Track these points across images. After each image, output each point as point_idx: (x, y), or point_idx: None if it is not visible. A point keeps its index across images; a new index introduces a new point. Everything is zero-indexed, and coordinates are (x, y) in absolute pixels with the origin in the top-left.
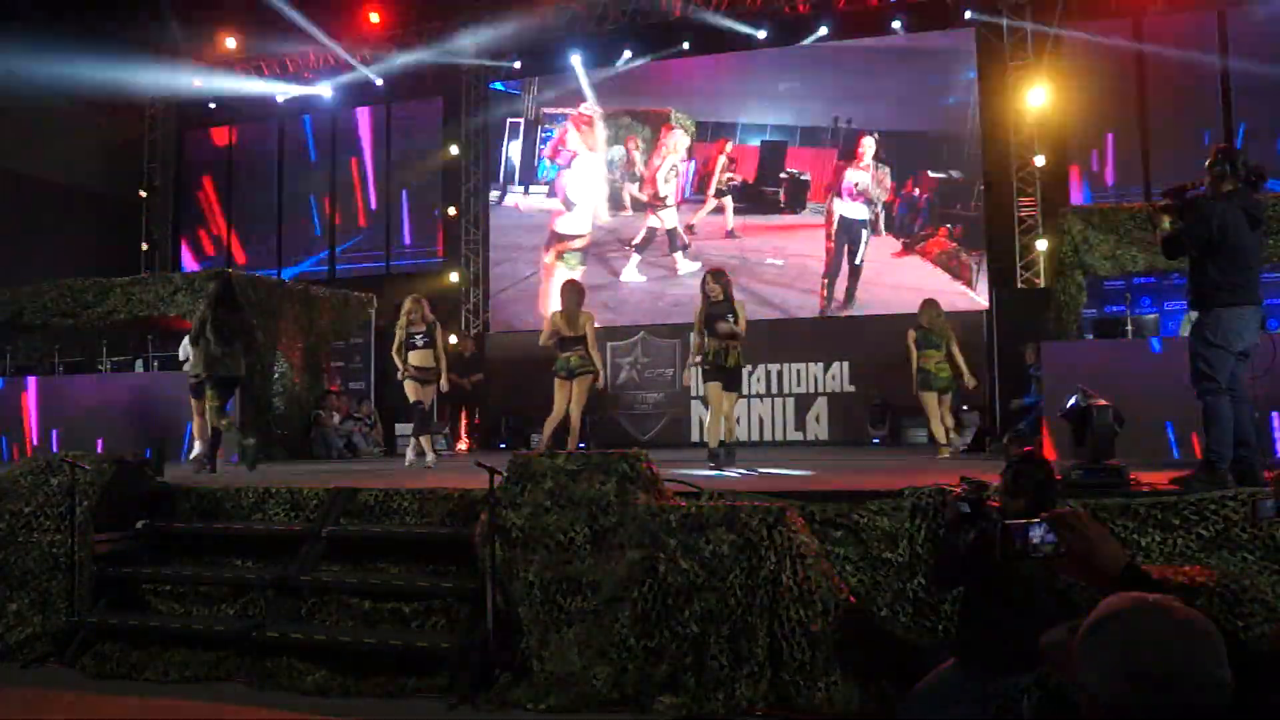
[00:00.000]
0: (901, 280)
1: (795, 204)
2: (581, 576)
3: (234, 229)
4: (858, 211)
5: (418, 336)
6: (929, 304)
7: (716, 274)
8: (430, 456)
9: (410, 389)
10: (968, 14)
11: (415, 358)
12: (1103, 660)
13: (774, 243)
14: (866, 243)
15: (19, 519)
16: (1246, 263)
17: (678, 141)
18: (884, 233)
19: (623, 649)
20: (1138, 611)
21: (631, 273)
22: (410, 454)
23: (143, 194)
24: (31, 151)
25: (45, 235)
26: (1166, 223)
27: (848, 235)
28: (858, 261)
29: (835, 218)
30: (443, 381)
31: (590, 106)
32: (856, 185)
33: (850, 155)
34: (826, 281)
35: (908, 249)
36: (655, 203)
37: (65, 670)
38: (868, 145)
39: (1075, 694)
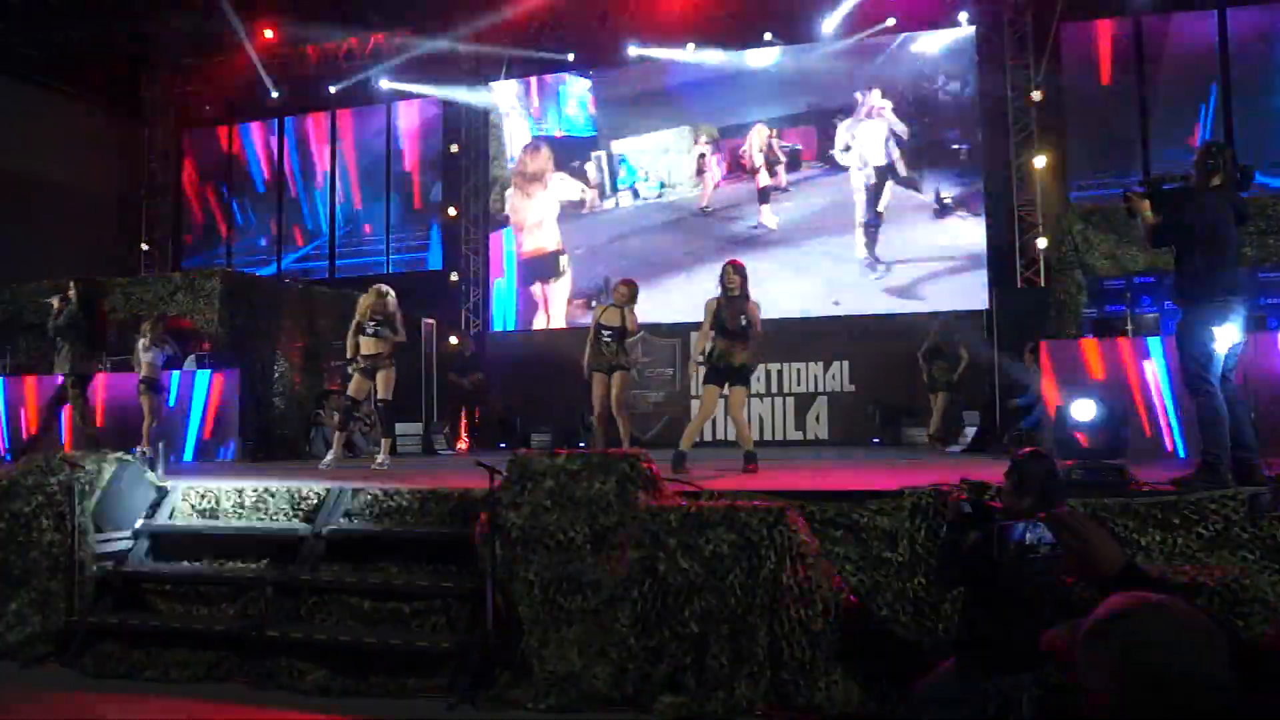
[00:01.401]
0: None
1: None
2: (582, 576)
3: (233, 228)
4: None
5: (369, 325)
6: None
7: (737, 266)
8: (383, 458)
9: (354, 384)
10: (964, 13)
11: (364, 345)
12: (1105, 660)
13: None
14: (885, 191)
15: (19, 519)
16: (1233, 257)
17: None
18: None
19: (623, 648)
20: (1140, 611)
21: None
22: (330, 455)
23: (143, 193)
24: (31, 151)
25: (45, 235)
26: (1148, 211)
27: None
28: (880, 209)
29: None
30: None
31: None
32: (854, 137)
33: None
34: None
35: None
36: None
37: (65, 670)
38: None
39: (1076, 694)
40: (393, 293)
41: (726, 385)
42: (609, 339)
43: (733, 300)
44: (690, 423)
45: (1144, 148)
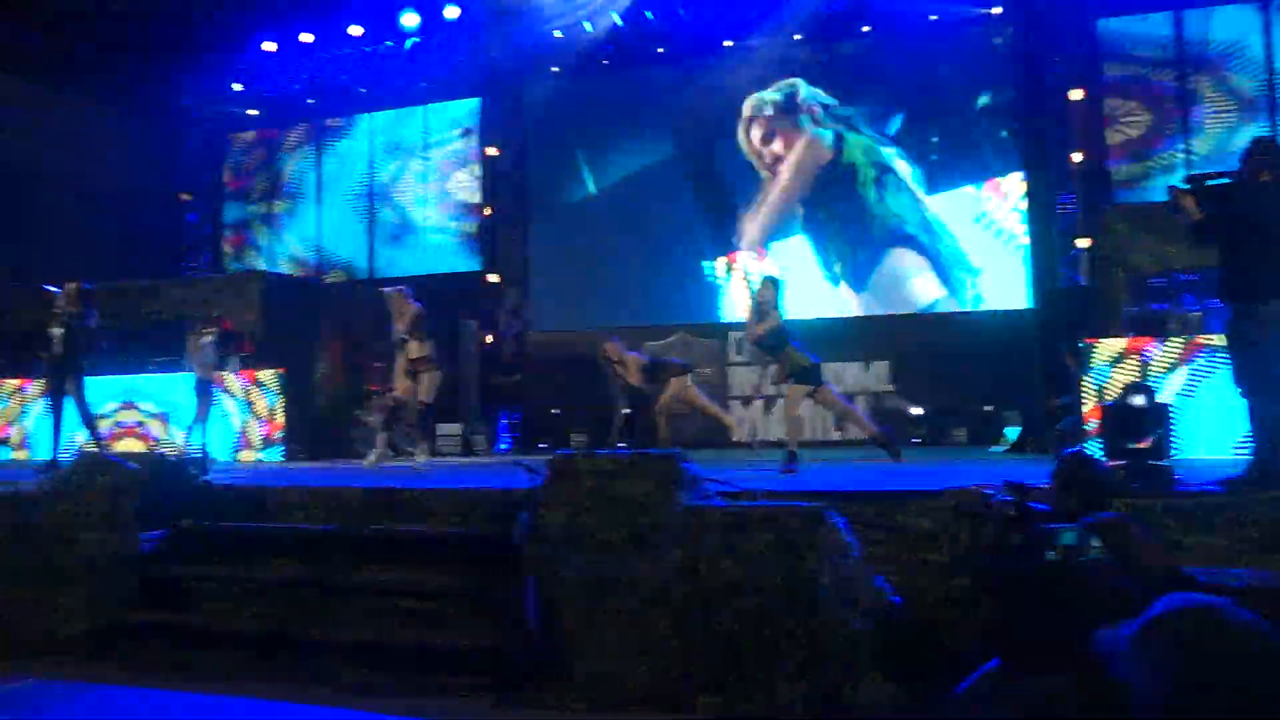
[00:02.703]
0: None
1: None
2: (621, 576)
3: (275, 230)
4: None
5: (399, 333)
6: None
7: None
8: (423, 458)
9: (399, 386)
10: (999, 9)
11: (410, 349)
12: (1156, 663)
13: None
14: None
15: (66, 517)
16: None
17: None
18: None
19: (663, 648)
20: (1191, 614)
21: None
22: (373, 454)
23: (185, 196)
24: (77, 155)
25: (90, 238)
26: (1194, 207)
27: None
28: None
29: None
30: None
31: None
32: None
33: None
34: None
35: None
36: None
37: (112, 665)
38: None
39: (1125, 696)
40: (396, 291)
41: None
42: None
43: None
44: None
45: (1186, 143)
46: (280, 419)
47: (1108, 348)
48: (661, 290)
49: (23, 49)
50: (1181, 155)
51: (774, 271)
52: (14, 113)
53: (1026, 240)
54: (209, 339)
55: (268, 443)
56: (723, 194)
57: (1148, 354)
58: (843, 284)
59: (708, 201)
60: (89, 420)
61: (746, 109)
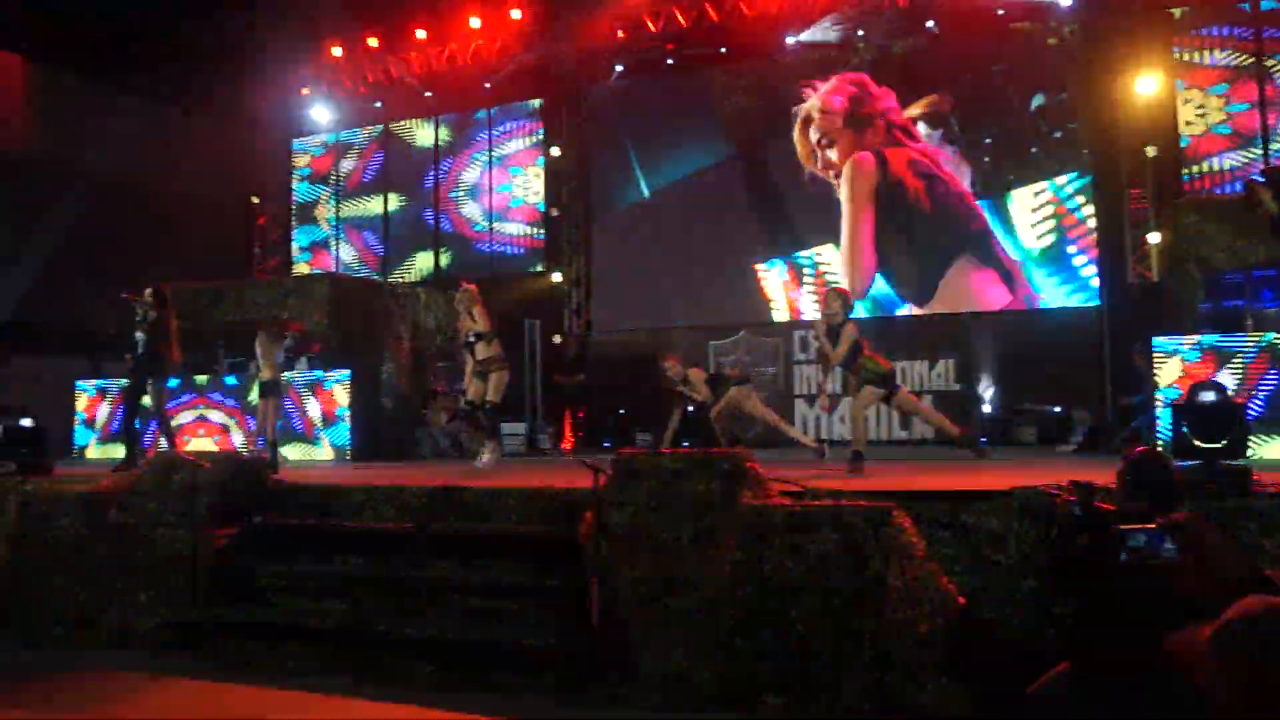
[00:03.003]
0: None
1: None
2: (685, 575)
3: (341, 233)
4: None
5: (470, 334)
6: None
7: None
8: (488, 457)
9: (471, 387)
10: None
11: (477, 350)
12: (1233, 666)
13: None
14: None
15: (145, 514)
16: None
17: None
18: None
19: (727, 649)
20: (1271, 617)
21: None
22: (488, 455)
23: (254, 200)
24: (149, 162)
25: (163, 242)
26: (1272, 201)
27: None
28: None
29: None
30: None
31: None
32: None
33: None
34: None
35: None
36: None
37: (189, 659)
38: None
39: (1202, 700)
40: (466, 291)
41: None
42: None
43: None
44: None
45: (1264, 135)
46: (346, 419)
47: (1180, 345)
48: (723, 290)
49: (103, 60)
50: (1258, 151)
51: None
52: (94, 122)
53: (1094, 237)
54: (275, 340)
55: (335, 442)
56: (780, 197)
57: (1222, 351)
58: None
59: (765, 203)
60: (164, 421)
61: (806, 110)
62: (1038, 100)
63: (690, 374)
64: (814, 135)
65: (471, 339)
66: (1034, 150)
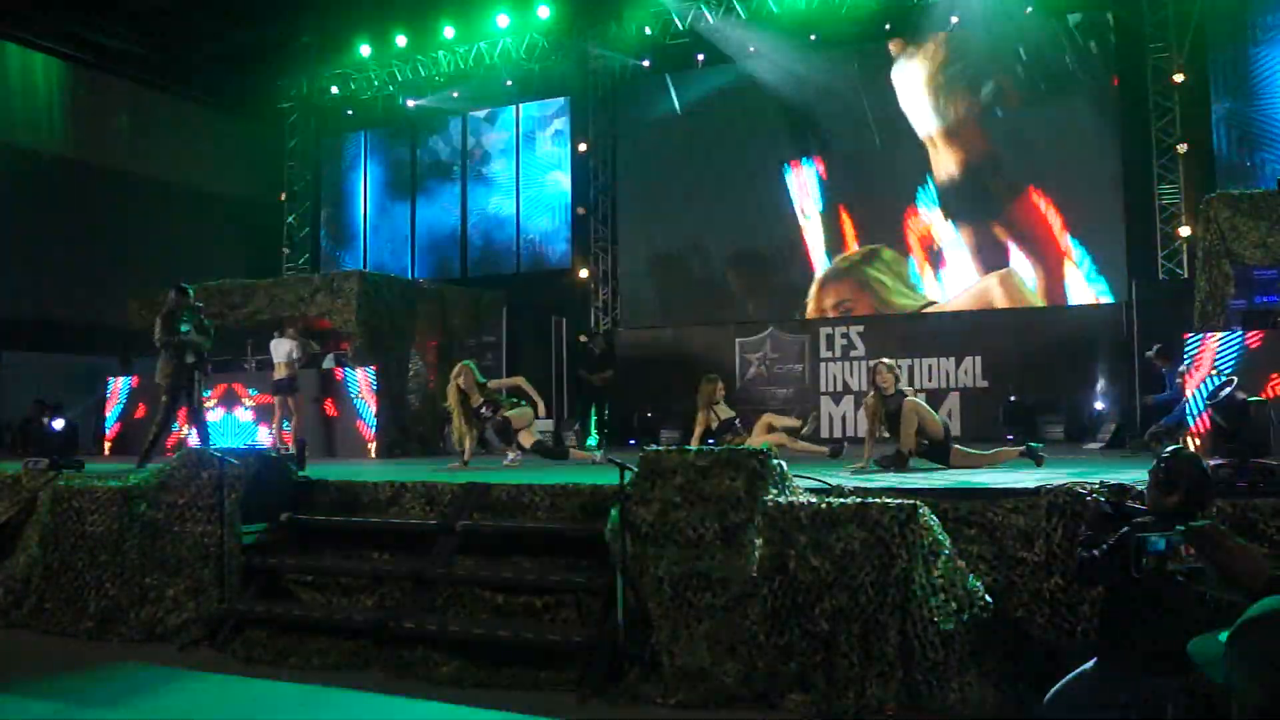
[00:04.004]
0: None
1: None
2: (711, 572)
3: (369, 231)
4: None
5: (483, 409)
6: None
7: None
8: (515, 454)
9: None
10: None
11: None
12: (1254, 662)
13: None
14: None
15: (174, 509)
16: None
17: None
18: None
19: (752, 645)
20: None
21: None
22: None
23: (282, 198)
24: (180, 161)
25: (194, 240)
26: None
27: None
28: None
29: None
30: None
31: None
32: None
33: None
34: None
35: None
36: None
37: (217, 654)
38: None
39: (1225, 699)
40: (463, 372)
41: None
42: None
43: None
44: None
45: None
46: (374, 416)
47: (1209, 343)
48: (750, 288)
49: (138, 63)
50: None
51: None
52: (128, 123)
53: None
54: (291, 339)
55: (361, 439)
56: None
57: (1254, 349)
58: (933, 281)
59: (792, 201)
60: (198, 418)
61: None
62: (1077, 92)
63: (718, 408)
64: None
65: (488, 414)
66: (1074, 139)
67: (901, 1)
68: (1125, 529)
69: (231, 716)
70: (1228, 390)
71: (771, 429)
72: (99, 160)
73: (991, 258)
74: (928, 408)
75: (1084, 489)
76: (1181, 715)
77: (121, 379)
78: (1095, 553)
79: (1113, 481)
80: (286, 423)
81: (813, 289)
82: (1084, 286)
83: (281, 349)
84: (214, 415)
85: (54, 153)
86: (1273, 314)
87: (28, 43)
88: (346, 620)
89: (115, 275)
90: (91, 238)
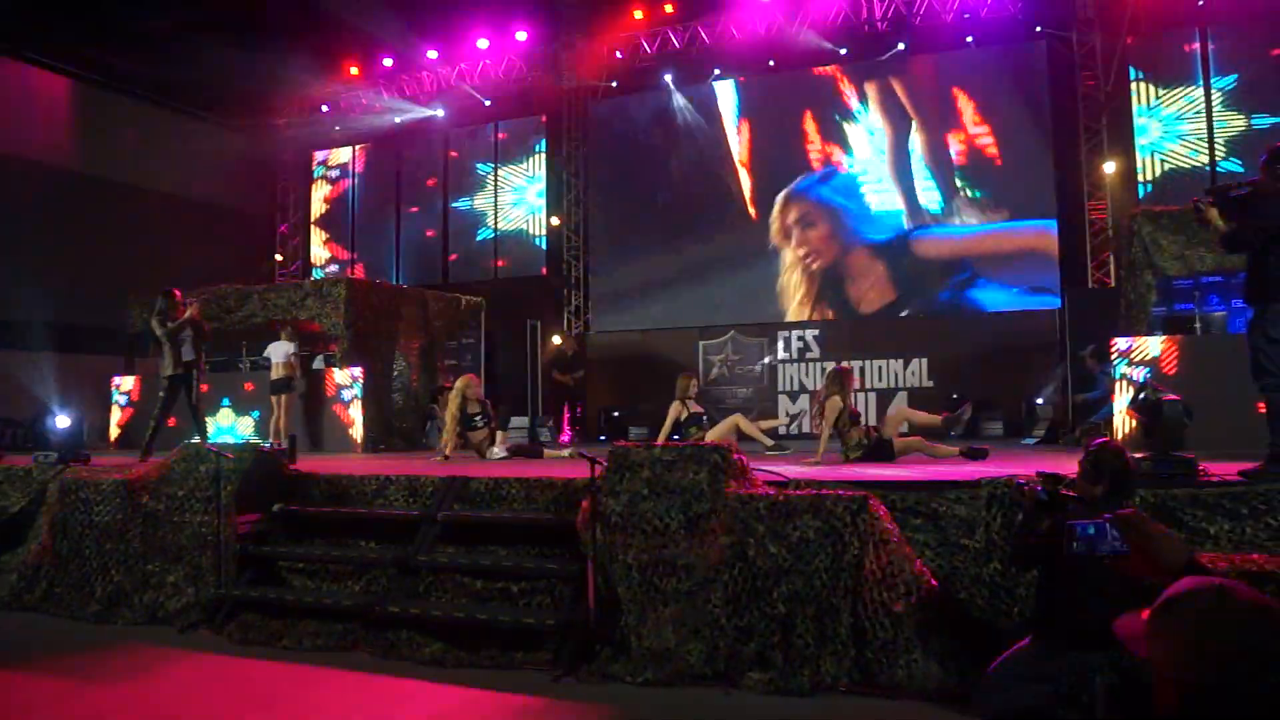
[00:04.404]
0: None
1: None
2: (676, 560)
3: (356, 239)
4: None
5: (478, 418)
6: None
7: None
8: (497, 449)
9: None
10: (1038, 28)
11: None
12: (1173, 636)
13: None
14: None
15: (174, 501)
16: None
17: None
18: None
19: (715, 627)
20: (1206, 593)
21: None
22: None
23: (276, 208)
24: (180, 174)
25: (190, 247)
26: (1218, 219)
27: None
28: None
29: None
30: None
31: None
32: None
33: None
34: None
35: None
36: None
37: (214, 636)
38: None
39: (1147, 673)
40: (466, 382)
41: None
42: None
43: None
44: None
45: (1210, 154)
46: (359, 413)
47: (1136, 346)
48: (715, 292)
49: (142, 75)
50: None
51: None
52: (131, 137)
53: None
54: (284, 341)
55: (348, 434)
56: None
57: (1172, 352)
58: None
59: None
60: (196, 415)
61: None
62: (1016, 111)
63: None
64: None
65: (479, 423)
66: (1011, 160)
67: (853, 30)
68: (1057, 516)
69: (228, 693)
70: (1144, 395)
71: (738, 430)
72: (105, 173)
73: None
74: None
75: (1022, 480)
76: (1107, 685)
77: (125, 378)
78: (1030, 538)
79: (1047, 471)
80: (280, 418)
81: (775, 210)
82: (1019, 294)
83: (280, 350)
84: (211, 411)
85: (63, 166)
86: (1189, 320)
87: (43, 64)
88: (335, 604)
89: (119, 280)
90: (97, 245)
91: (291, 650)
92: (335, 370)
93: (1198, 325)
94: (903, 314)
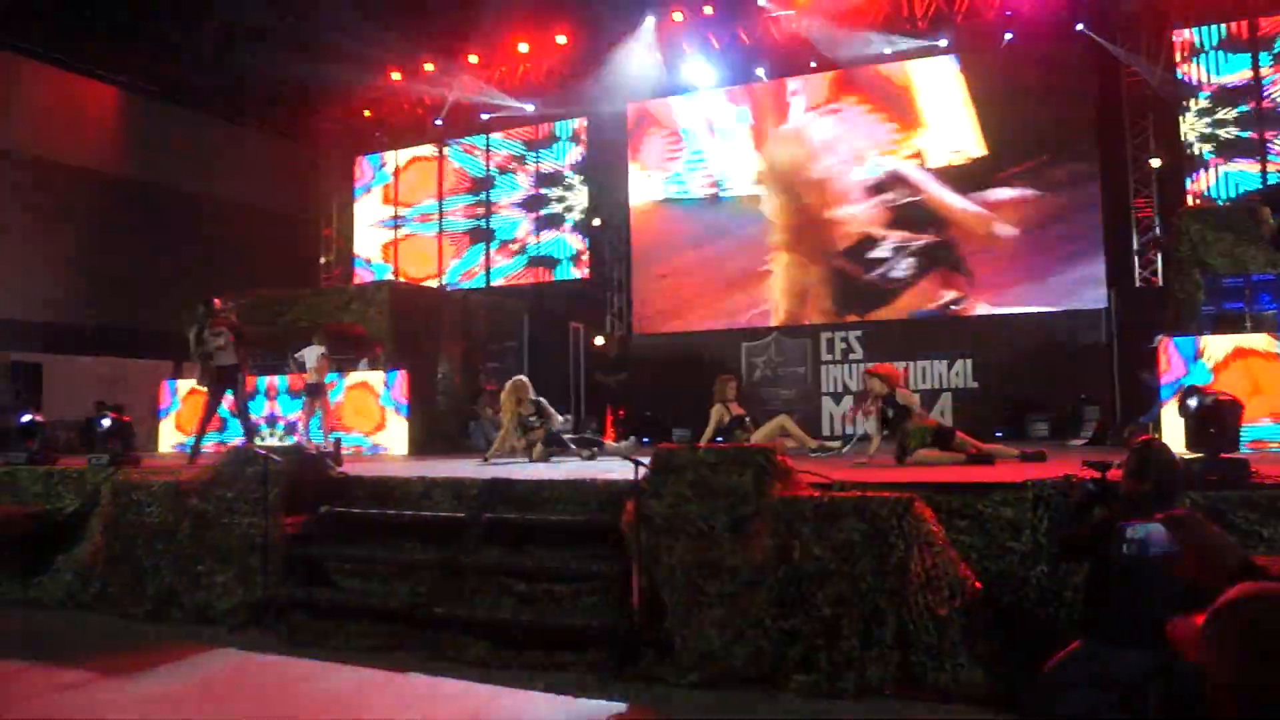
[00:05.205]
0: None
1: None
2: (721, 562)
3: (400, 242)
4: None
5: (532, 419)
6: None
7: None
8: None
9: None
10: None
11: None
12: (1228, 643)
13: None
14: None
15: (223, 502)
16: None
17: None
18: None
19: (759, 630)
20: (1264, 597)
21: None
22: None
23: (320, 213)
24: (228, 180)
25: (240, 252)
26: (1269, 217)
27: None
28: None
29: None
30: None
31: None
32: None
33: None
34: None
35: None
36: None
37: (263, 635)
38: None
39: (1202, 679)
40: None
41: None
42: None
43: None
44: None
45: (1262, 147)
46: (404, 415)
47: (1184, 346)
48: (755, 293)
49: (196, 89)
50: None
51: None
52: (179, 145)
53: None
54: (317, 345)
55: (392, 437)
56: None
57: (1221, 351)
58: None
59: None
60: (243, 418)
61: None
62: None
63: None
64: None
65: (535, 423)
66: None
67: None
68: (1107, 510)
69: (277, 692)
70: (1194, 400)
71: (783, 431)
72: (156, 180)
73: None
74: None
75: (1072, 477)
76: (1160, 693)
77: (176, 381)
78: (1079, 531)
79: (1095, 460)
80: (316, 421)
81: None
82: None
83: (313, 355)
84: (259, 414)
85: (115, 174)
86: (1239, 319)
87: (94, 75)
88: (382, 605)
89: (170, 285)
90: (148, 251)
91: (339, 650)
92: (379, 373)
93: (1248, 324)
94: (949, 313)
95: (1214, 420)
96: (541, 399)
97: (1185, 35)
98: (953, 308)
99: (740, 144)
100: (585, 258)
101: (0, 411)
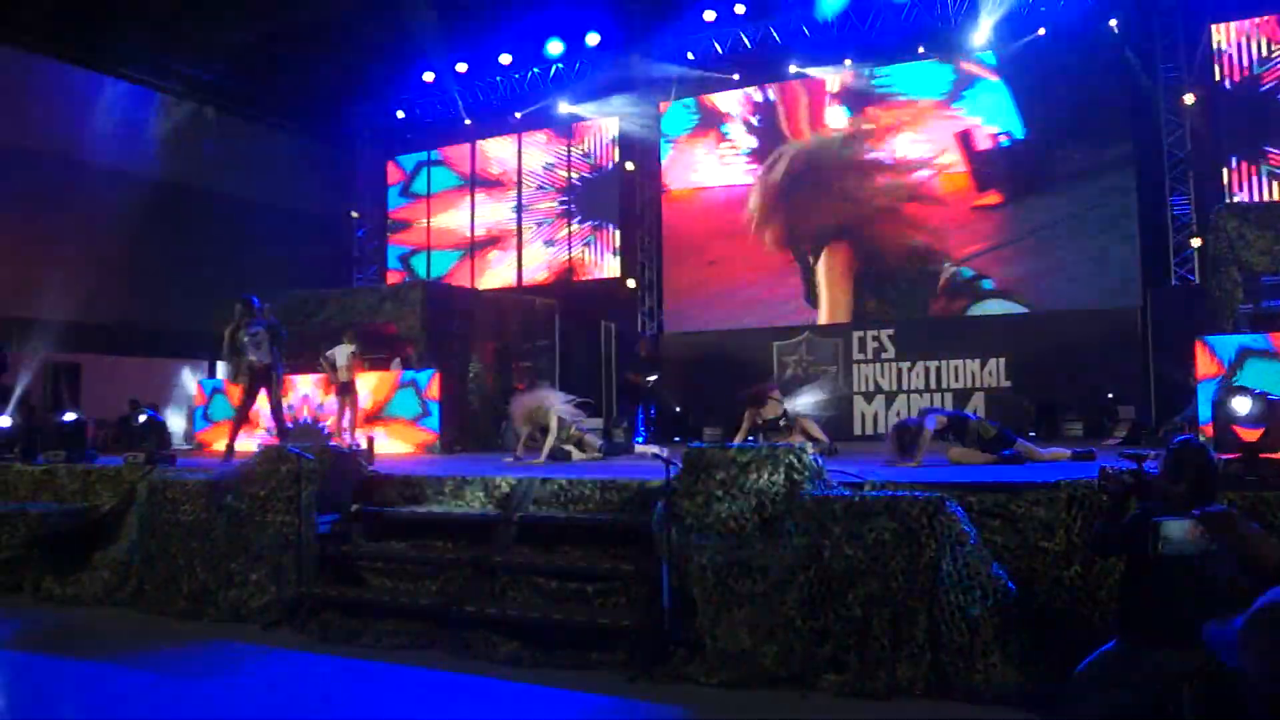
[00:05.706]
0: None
1: None
2: (751, 561)
3: (431, 242)
4: None
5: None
6: None
7: None
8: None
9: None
10: (1113, 21)
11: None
12: (1263, 651)
13: None
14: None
15: (256, 501)
16: None
17: None
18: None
19: (789, 629)
20: None
21: None
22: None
23: (354, 214)
24: (261, 181)
25: (273, 253)
26: None
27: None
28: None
29: None
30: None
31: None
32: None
33: None
34: None
35: None
36: None
37: (295, 634)
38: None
39: (1238, 682)
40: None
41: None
42: None
43: None
44: None
45: None
46: (437, 414)
47: (1221, 344)
48: (785, 292)
49: (228, 89)
50: None
51: None
52: (216, 147)
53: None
54: (348, 345)
55: (425, 435)
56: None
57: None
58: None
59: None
60: (276, 417)
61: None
62: (1095, 107)
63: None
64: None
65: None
66: (1076, 155)
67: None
68: (1143, 505)
69: (309, 690)
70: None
71: (805, 432)
72: (189, 181)
73: None
74: None
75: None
76: (1197, 694)
77: (210, 380)
78: (1114, 525)
79: (1130, 450)
80: (346, 419)
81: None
82: (1100, 292)
83: (344, 353)
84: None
85: (151, 176)
86: (1278, 317)
87: (130, 78)
88: (413, 603)
89: (204, 286)
90: (183, 252)
91: (370, 648)
92: (411, 372)
93: None
94: (982, 312)
95: (1252, 419)
96: (563, 414)
97: (1222, 30)
98: (985, 307)
99: (773, 140)
100: (617, 257)
101: (39, 411)
